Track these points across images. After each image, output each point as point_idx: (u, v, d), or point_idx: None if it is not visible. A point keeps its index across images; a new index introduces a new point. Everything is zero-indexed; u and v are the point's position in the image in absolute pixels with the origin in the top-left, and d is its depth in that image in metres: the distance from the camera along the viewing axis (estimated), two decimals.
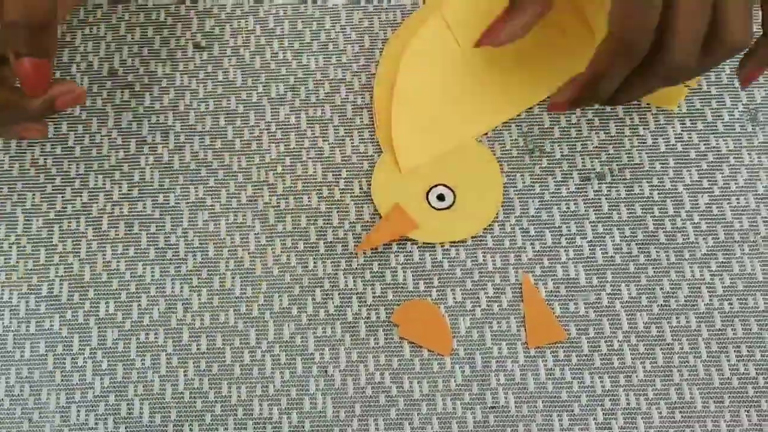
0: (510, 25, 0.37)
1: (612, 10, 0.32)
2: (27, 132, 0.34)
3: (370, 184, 0.41)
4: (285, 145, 0.42)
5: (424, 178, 0.41)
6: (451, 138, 0.41)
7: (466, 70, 0.42)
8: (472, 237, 0.40)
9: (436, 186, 0.40)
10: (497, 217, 0.40)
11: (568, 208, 0.41)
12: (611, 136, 0.42)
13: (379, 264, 0.40)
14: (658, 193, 0.41)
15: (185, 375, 0.39)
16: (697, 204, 0.41)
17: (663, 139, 0.42)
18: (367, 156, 0.42)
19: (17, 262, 0.40)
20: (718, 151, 0.42)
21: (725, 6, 0.31)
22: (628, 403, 0.38)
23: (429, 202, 0.40)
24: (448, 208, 0.40)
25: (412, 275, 0.40)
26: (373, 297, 0.39)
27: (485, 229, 0.40)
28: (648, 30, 0.31)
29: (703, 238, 0.40)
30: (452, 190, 0.40)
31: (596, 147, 0.42)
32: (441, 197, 0.40)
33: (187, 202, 0.41)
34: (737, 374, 0.38)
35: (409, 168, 0.41)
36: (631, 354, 0.38)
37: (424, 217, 0.40)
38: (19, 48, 0.30)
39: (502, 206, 0.41)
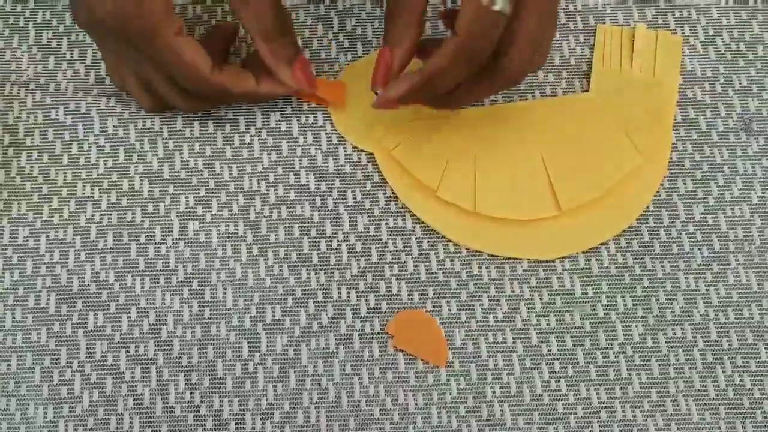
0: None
1: (462, 15, 0.32)
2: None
3: (363, 194, 0.41)
4: (277, 154, 0.41)
5: None
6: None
7: None
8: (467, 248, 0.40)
9: None
10: None
11: None
12: None
13: (373, 275, 0.39)
14: (653, 203, 0.41)
15: (176, 388, 0.38)
16: (692, 214, 0.40)
17: None
18: (360, 165, 0.41)
19: (2, 272, 0.39)
20: (712, 160, 0.41)
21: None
22: (624, 416, 0.37)
23: None
24: None
25: (407, 286, 0.39)
26: (367, 309, 0.39)
27: None
28: (493, 40, 0.32)
29: (699, 249, 0.40)
30: None
31: None
32: None
33: (178, 212, 0.40)
34: (733, 385, 0.38)
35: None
36: (626, 365, 0.38)
37: None
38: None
39: None
